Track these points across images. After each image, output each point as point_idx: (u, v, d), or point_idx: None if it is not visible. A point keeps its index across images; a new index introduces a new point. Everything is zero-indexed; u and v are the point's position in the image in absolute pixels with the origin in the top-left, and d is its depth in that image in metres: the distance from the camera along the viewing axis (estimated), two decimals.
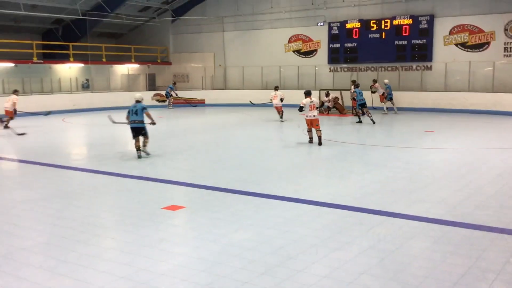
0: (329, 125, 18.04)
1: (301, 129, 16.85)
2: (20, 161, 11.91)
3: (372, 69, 25.40)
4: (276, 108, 19.88)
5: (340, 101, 22.61)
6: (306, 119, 13.54)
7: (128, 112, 11.76)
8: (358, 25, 25.30)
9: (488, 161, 10.91)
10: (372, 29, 24.89)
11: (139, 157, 11.56)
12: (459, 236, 5.99)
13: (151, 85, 31.06)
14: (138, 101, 11.87)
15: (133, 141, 11.76)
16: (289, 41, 27.91)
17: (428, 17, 23.58)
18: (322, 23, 26.56)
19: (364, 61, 25.44)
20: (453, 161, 10.89)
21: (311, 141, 13.52)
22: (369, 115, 17.99)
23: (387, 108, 22.26)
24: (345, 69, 26.23)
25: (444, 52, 23.51)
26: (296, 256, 5.35)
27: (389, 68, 25.01)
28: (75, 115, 23.75)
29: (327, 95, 22.42)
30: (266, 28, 28.46)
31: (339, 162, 11.20)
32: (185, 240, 6.02)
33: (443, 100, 23.06)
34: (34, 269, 5.12)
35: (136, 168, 10.81)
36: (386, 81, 22.40)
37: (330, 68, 26.68)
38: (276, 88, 20.48)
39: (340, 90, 23.25)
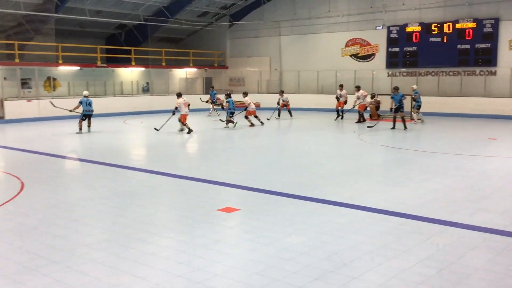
0: (384, 130, 17.67)
1: (357, 134, 16.64)
2: (83, 160, 12.43)
3: (433, 73, 24.70)
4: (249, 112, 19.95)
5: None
6: (182, 115, 17.05)
7: (231, 103, 19.03)
8: (418, 28, 24.70)
9: None
10: (433, 32, 24.24)
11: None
12: None
13: (208, 88, 31.57)
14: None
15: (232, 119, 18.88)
16: (346, 45, 27.63)
17: (493, 20, 22.68)
18: (380, 27, 26.12)
19: (424, 65, 24.79)
20: None
21: (190, 131, 17.07)
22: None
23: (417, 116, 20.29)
24: (404, 74, 25.64)
25: (510, 57, 22.55)
26: (350, 263, 5.27)
27: (451, 73, 24.24)
28: (135, 117, 24.58)
29: (373, 97, 21.97)
30: (323, 32, 28.31)
31: (396, 169, 10.94)
32: (240, 242, 6.07)
33: (508, 106, 22.11)
34: (96, 265, 5.32)
35: (191, 170, 11.04)
36: (414, 86, 20.72)
37: (388, 73, 26.18)
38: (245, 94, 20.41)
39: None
